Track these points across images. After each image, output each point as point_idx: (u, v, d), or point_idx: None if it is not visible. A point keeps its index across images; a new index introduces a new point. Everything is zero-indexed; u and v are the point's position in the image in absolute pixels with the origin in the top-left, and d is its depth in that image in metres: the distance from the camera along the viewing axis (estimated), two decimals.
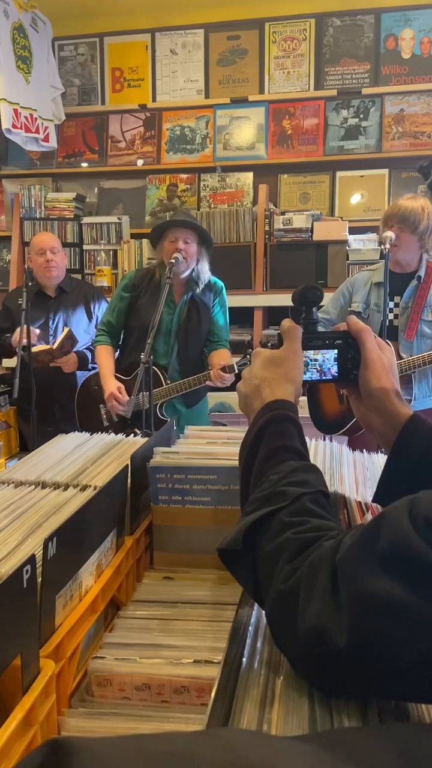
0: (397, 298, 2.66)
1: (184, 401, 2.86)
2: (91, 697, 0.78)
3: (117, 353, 2.97)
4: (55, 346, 3.04)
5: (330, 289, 3.52)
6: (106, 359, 2.88)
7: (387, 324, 2.61)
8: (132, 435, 1.41)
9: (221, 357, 2.82)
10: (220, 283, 2.92)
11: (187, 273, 2.77)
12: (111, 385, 2.79)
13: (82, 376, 3.23)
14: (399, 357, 2.59)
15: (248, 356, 2.69)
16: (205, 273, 2.83)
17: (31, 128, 3.80)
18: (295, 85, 4.15)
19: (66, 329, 3.11)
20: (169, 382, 2.80)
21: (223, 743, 0.38)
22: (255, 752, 0.37)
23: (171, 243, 2.71)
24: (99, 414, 2.92)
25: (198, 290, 2.82)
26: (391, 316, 2.66)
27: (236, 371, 2.68)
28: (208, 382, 2.75)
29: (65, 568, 0.78)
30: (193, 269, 2.78)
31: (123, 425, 2.75)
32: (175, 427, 1.44)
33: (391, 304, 2.66)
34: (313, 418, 2.89)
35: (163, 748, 0.37)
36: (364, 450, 1.20)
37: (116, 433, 1.42)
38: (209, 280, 2.87)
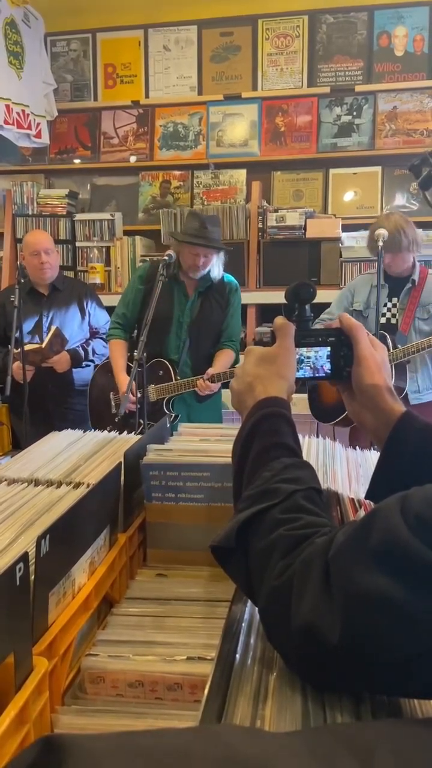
0: (395, 299, 2.96)
1: (195, 396, 2.87)
2: (85, 694, 0.78)
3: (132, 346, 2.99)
4: (44, 345, 3.03)
5: (323, 286, 3.55)
6: (118, 355, 2.95)
7: (383, 320, 2.91)
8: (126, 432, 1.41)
9: (219, 361, 2.85)
10: (235, 282, 2.96)
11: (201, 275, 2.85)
12: (123, 382, 2.86)
13: (77, 372, 3.23)
14: (395, 347, 2.86)
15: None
16: (219, 269, 2.89)
17: (23, 124, 3.78)
18: (288, 82, 4.14)
19: (53, 328, 3.09)
20: (179, 377, 2.82)
21: (217, 739, 0.38)
22: (249, 747, 0.37)
23: (193, 255, 2.76)
24: (109, 403, 2.99)
25: (212, 285, 2.88)
26: (389, 314, 2.97)
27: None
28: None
29: (58, 565, 0.78)
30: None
31: (128, 417, 2.76)
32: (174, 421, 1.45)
33: (389, 304, 2.96)
34: (312, 406, 3.04)
35: (156, 744, 0.37)
36: (357, 447, 1.20)
37: (124, 423, 1.42)
38: (223, 278, 2.92)
